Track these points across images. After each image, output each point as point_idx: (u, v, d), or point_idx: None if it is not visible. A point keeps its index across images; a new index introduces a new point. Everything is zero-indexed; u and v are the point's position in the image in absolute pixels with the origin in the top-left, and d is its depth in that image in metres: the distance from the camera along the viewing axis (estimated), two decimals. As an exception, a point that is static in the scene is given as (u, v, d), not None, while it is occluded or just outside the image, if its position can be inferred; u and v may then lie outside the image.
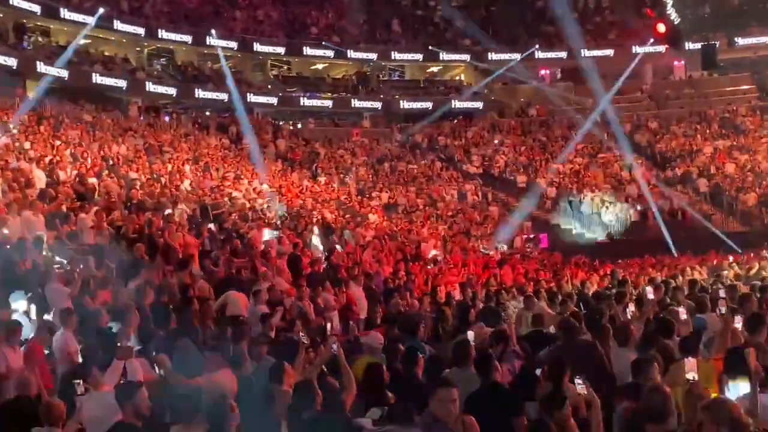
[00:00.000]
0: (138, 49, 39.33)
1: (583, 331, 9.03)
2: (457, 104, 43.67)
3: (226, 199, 21.76)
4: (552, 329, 10.04)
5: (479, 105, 44.26)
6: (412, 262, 19.45)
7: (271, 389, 6.65)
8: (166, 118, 36.01)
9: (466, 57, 45.98)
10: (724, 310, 8.48)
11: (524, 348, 8.89)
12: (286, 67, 44.81)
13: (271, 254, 15.31)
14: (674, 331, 8.49)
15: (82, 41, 35.46)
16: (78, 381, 6.22)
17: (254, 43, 41.51)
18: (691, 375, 5.94)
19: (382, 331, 9.79)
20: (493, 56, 45.04)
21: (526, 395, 6.67)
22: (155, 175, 22.26)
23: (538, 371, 7.22)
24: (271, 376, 6.90)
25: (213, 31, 39.07)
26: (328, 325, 9.63)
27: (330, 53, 43.86)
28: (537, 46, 45.29)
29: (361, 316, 13.69)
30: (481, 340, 8.61)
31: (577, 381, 5.89)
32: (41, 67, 31.84)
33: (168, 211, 16.79)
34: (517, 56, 44.78)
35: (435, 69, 47.59)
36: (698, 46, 39.12)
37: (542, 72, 46.93)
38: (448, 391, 5.72)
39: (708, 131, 40.27)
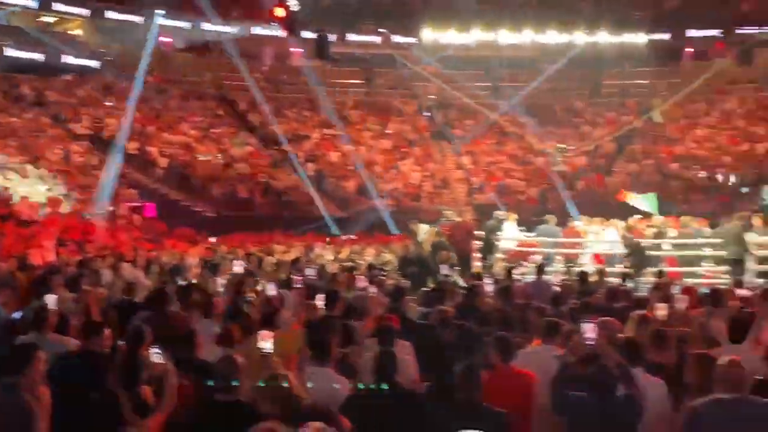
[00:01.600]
0: None
1: (174, 302, 9.18)
2: (70, 60, 41.26)
3: None
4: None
5: (95, 64, 42.26)
6: (3, 222, 18.18)
7: None
8: None
9: (85, 12, 43.57)
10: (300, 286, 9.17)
11: (112, 316, 8.81)
12: None
13: None
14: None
15: None
16: None
17: None
18: (265, 345, 6.31)
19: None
20: (113, 15, 43.29)
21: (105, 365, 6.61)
22: None
23: (121, 342, 7.20)
24: None
25: None
26: None
27: None
28: (161, 12, 44.25)
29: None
30: (63, 305, 8.37)
31: (153, 350, 5.99)
32: None
33: None
34: (139, 19, 43.47)
35: (50, 20, 44.42)
36: (314, 35, 40.90)
37: (163, 39, 46.03)
38: (44, 353, 5.83)
39: (317, 119, 42.51)
